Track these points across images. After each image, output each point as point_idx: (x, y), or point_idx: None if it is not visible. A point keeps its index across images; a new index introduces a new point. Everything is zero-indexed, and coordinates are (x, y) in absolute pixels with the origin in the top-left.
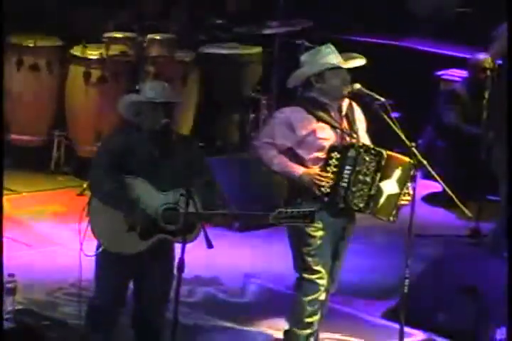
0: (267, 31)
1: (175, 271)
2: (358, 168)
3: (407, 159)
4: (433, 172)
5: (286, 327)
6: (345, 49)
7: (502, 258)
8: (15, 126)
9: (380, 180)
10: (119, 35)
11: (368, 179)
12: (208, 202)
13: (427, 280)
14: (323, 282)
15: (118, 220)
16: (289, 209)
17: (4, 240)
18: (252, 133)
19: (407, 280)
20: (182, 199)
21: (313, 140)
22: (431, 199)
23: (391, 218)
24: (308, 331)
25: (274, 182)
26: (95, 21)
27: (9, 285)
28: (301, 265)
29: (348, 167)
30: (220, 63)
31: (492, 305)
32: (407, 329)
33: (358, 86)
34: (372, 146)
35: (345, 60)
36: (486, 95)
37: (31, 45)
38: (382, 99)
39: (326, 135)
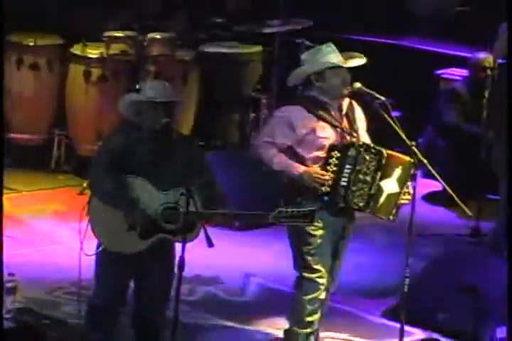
0: (267, 30)
1: (175, 270)
2: (358, 167)
3: (407, 158)
4: (433, 171)
5: (287, 326)
6: (345, 48)
7: (502, 257)
8: (15, 124)
9: (380, 179)
10: (119, 34)
11: (368, 178)
12: (208, 201)
13: (427, 279)
14: (323, 281)
15: (118, 219)
16: (289, 208)
17: (4, 239)
18: (253, 132)
19: (407, 280)
20: (182, 199)
21: (313, 139)
22: (431, 198)
23: (391, 217)
24: (309, 330)
25: (274, 181)
26: (95, 20)
27: (9, 285)
28: (301, 264)
29: (348, 166)
30: (220, 62)
31: (492, 305)
32: (407, 328)
33: (358, 85)
34: (372, 145)
35: (346, 59)
36: (486, 94)
37: (31, 43)
38: (383, 98)
39: (326, 134)
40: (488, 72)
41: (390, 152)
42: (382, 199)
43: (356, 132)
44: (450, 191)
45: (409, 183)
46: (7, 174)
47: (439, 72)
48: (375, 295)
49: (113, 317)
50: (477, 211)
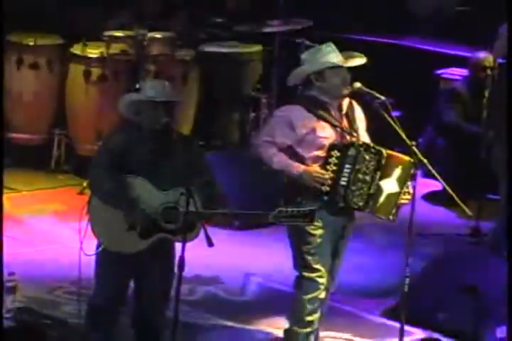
0: (267, 30)
1: (175, 270)
2: (357, 167)
3: (407, 158)
4: (433, 171)
5: (287, 325)
6: (345, 48)
7: (502, 257)
8: (15, 124)
9: (380, 178)
10: (119, 33)
11: (367, 178)
12: (208, 201)
13: (428, 279)
14: (323, 280)
15: (118, 219)
16: (289, 208)
17: (4, 239)
18: (253, 131)
19: (407, 279)
20: (182, 199)
21: (313, 138)
22: (431, 197)
23: (391, 217)
24: (309, 329)
25: (274, 181)
26: (95, 20)
27: (9, 284)
28: (301, 263)
29: (347, 165)
30: (220, 62)
31: (492, 304)
32: (407, 327)
33: (358, 85)
34: (372, 145)
35: (346, 58)
36: (486, 94)
37: (31, 43)
38: (383, 98)
39: (326, 134)
40: (488, 71)
41: (389, 152)
42: (381, 199)
43: (356, 132)
44: (450, 191)
45: (409, 183)
46: (7, 174)
47: (439, 71)
48: (375, 295)
49: (113, 317)
50: (477, 211)
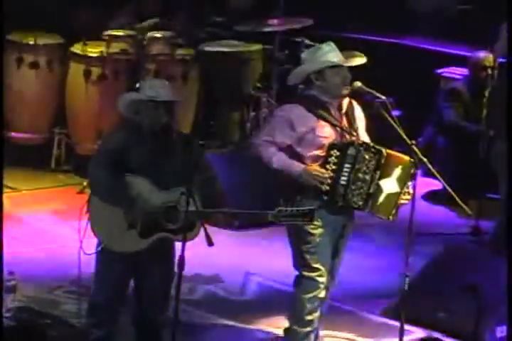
0: (267, 29)
1: (175, 269)
2: (357, 166)
3: (407, 158)
4: (433, 170)
5: (287, 324)
6: (345, 47)
7: (502, 256)
8: (15, 123)
9: (380, 178)
10: (119, 32)
11: (367, 177)
12: (207, 199)
13: (428, 278)
14: (322, 279)
15: (118, 218)
16: (288, 207)
17: (4, 238)
18: (253, 131)
19: (407, 278)
20: (182, 198)
21: (313, 138)
22: (431, 197)
23: (390, 217)
24: (309, 329)
25: (274, 180)
26: (96, 19)
27: (9, 283)
28: (301, 262)
29: (347, 165)
30: (221, 61)
31: (492, 303)
32: (407, 327)
33: (358, 84)
34: (372, 144)
35: (346, 58)
36: (487, 93)
37: (31, 42)
38: (383, 97)
39: (326, 133)
40: (489, 71)
41: (389, 151)
42: (381, 198)
43: (356, 131)
44: (450, 190)
45: (409, 183)
46: (7, 173)
47: (440, 71)
48: (376, 294)
49: (113, 316)
50: (477, 210)
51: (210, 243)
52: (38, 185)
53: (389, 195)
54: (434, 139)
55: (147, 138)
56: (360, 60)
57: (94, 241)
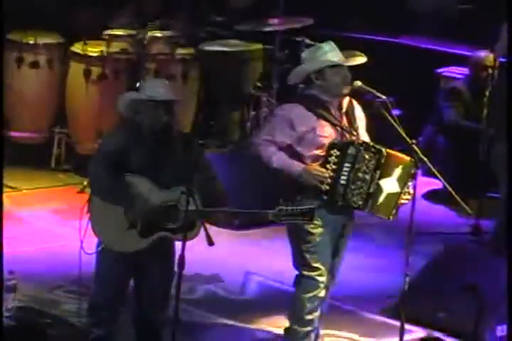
0: (268, 28)
1: (175, 269)
2: (357, 166)
3: (407, 158)
4: (433, 169)
5: (287, 324)
6: (345, 46)
7: (502, 255)
8: (15, 123)
9: (380, 178)
10: (119, 32)
11: (367, 177)
12: (208, 199)
13: (428, 277)
14: (322, 279)
15: (118, 218)
16: (288, 206)
17: (4, 237)
18: (253, 130)
19: (407, 278)
20: (182, 197)
21: (313, 137)
22: (431, 196)
23: (391, 217)
24: (309, 328)
25: (274, 180)
26: (96, 19)
27: (9, 283)
28: (301, 262)
29: (347, 164)
30: (221, 60)
31: (492, 303)
32: (407, 326)
33: (358, 83)
34: (372, 144)
35: (346, 57)
36: (487, 93)
37: (31, 42)
38: (383, 97)
39: (326, 133)
40: (489, 70)
41: (389, 151)
42: (381, 198)
43: (356, 131)
44: (450, 189)
45: (409, 183)
46: (7, 172)
47: (440, 70)
48: (376, 294)
49: (113, 316)
50: (477, 209)
51: (211, 242)
52: (38, 184)
53: (389, 195)
54: (434, 139)
55: (147, 137)
56: (360, 59)
57: (95, 240)
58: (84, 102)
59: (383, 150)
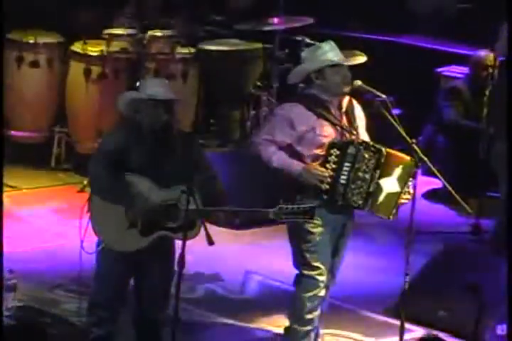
0: (268, 28)
1: (175, 268)
2: (357, 165)
3: (407, 157)
4: (433, 169)
5: (287, 323)
6: (345, 46)
7: (502, 255)
8: (15, 122)
9: (380, 177)
10: (119, 31)
11: (367, 176)
12: (208, 199)
13: (428, 276)
14: (322, 278)
15: (119, 217)
16: (289, 205)
17: (4, 236)
18: (253, 129)
19: (407, 277)
20: (183, 196)
21: (313, 137)
22: (431, 195)
23: (391, 216)
24: (309, 327)
25: (274, 179)
26: (96, 19)
27: (9, 282)
28: (301, 261)
29: (347, 164)
30: (221, 60)
31: (492, 302)
32: (407, 325)
33: (358, 83)
34: (371, 143)
35: (346, 56)
36: (487, 92)
37: (31, 41)
38: (383, 96)
39: (326, 132)
40: (490, 70)
41: (389, 150)
42: (381, 198)
43: (356, 130)
44: (450, 188)
45: (410, 183)
46: (7, 171)
47: (440, 69)
48: (376, 293)
49: (113, 315)
50: (477, 208)
51: (211, 242)
52: (38, 183)
53: (389, 195)
54: (434, 138)
55: (147, 136)
56: (360, 58)
57: (95, 239)
58: (85, 101)
59: (383, 149)
